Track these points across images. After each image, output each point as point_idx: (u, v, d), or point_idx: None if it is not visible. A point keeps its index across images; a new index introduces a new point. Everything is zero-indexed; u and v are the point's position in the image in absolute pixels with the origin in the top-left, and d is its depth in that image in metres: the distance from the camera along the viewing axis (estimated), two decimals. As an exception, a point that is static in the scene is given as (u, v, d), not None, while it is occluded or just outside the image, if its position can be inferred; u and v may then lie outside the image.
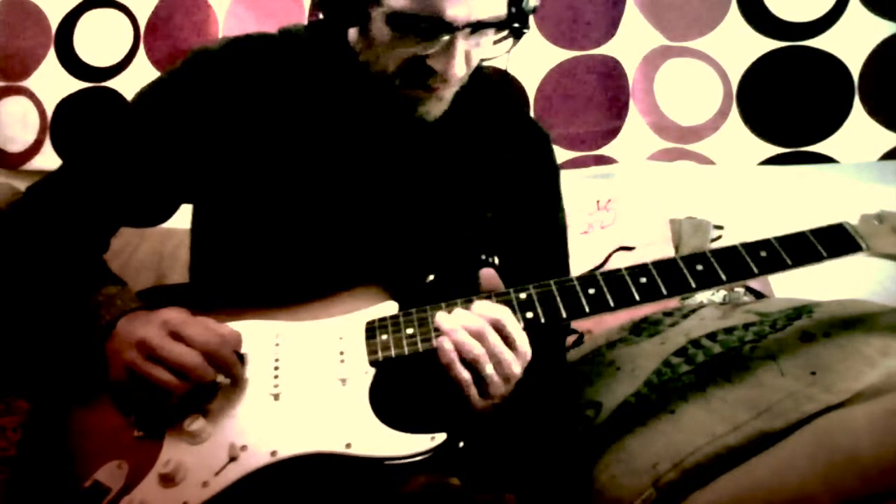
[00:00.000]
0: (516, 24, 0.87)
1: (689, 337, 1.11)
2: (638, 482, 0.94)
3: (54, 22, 1.89)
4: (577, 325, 1.48)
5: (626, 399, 1.05)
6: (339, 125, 0.97)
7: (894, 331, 0.96)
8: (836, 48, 1.53)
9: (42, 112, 1.91)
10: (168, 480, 0.80)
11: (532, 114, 1.71)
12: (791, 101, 1.58)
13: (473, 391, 0.83)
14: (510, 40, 0.89)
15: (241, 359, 0.87)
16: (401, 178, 0.98)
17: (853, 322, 1.00)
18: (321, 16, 0.94)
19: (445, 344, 0.82)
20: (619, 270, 0.88)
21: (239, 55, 0.98)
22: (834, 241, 0.90)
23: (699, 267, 0.88)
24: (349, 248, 0.95)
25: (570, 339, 1.47)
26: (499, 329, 0.83)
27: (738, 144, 1.61)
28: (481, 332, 0.82)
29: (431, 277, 0.92)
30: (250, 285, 0.96)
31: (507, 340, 0.83)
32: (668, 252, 1.54)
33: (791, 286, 1.54)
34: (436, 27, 0.82)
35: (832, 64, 1.53)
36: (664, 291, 0.87)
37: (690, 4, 1.61)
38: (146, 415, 0.85)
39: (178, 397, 0.83)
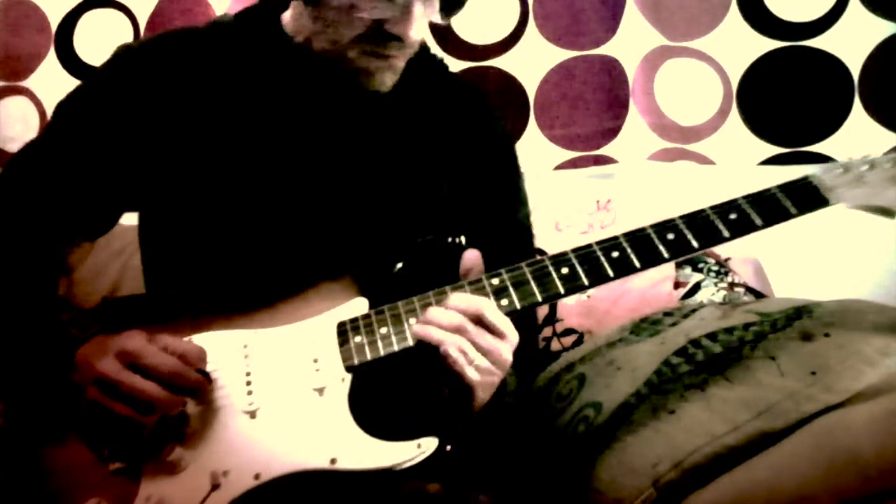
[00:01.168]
0: None
1: (689, 337, 1.11)
2: (638, 482, 0.94)
3: (54, 22, 1.89)
4: (577, 325, 1.48)
5: (626, 399, 1.05)
6: (285, 111, 0.94)
7: (894, 331, 0.96)
8: (836, 48, 1.53)
9: (42, 112, 1.91)
10: None
11: (532, 114, 1.71)
12: (791, 101, 1.58)
13: (469, 373, 0.80)
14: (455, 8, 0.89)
15: (207, 377, 0.82)
16: (355, 160, 0.95)
17: (853, 322, 1.00)
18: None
19: (451, 351, 0.79)
20: (590, 246, 0.86)
21: (164, 50, 0.95)
22: (801, 197, 0.88)
23: (670, 236, 0.86)
24: (309, 241, 0.92)
25: (570, 339, 1.47)
26: (479, 321, 0.80)
27: (738, 144, 1.61)
28: (459, 326, 0.79)
29: (399, 266, 0.88)
30: (209, 291, 0.92)
31: (491, 329, 0.81)
32: (668, 252, 1.54)
33: (791, 286, 1.54)
34: None
35: (832, 64, 1.53)
36: (637, 264, 0.85)
37: (690, 4, 1.61)
38: (119, 449, 0.81)
39: (150, 429, 0.79)
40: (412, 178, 0.96)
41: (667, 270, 1.48)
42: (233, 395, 0.84)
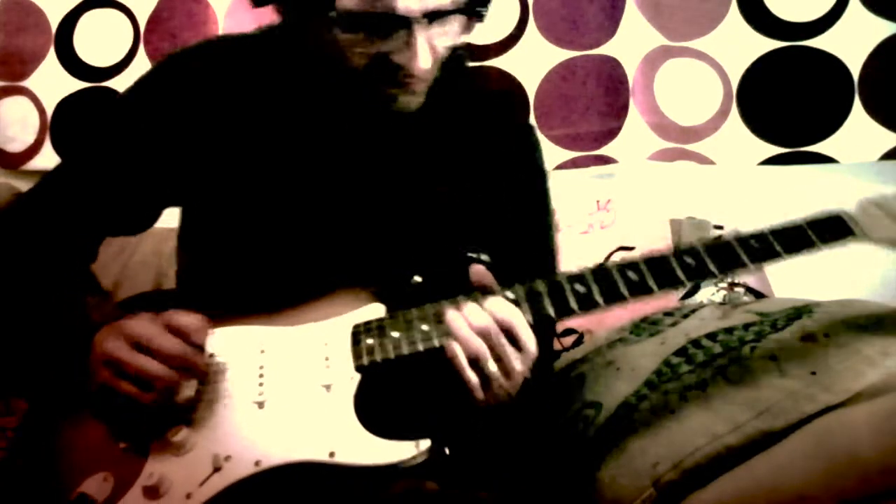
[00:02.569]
0: (476, 7, 0.84)
1: (689, 337, 1.11)
2: (638, 482, 0.94)
3: (54, 22, 1.89)
4: (577, 325, 1.48)
5: (626, 399, 1.05)
6: (316, 123, 0.95)
7: (894, 331, 0.96)
8: (836, 48, 1.53)
9: (42, 112, 1.91)
10: (152, 493, 0.80)
11: (532, 114, 1.71)
12: (791, 101, 1.58)
13: (479, 393, 0.81)
14: (474, 24, 0.86)
15: (201, 349, 0.85)
16: (383, 175, 0.96)
17: (853, 322, 1.00)
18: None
19: (452, 344, 0.81)
20: (607, 266, 0.86)
21: (212, 57, 0.97)
22: (825, 228, 0.88)
23: (689, 261, 0.85)
24: (334, 249, 0.94)
25: (570, 339, 1.47)
26: (508, 330, 0.81)
27: (738, 144, 1.61)
28: (486, 330, 0.80)
29: (418, 279, 0.90)
30: (235, 290, 0.95)
31: (515, 341, 0.81)
32: (668, 252, 1.55)
33: (791, 286, 1.54)
34: (390, 23, 0.79)
35: (832, 64, 1.53)
36: (654, 288, 0.84)
37: (690, 4, 1.61)
38: (127, 428, 0.85)
39: (155, 408, 0.82)
40: (437, 196, 0.97)
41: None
42: (244, 386, 0.87)
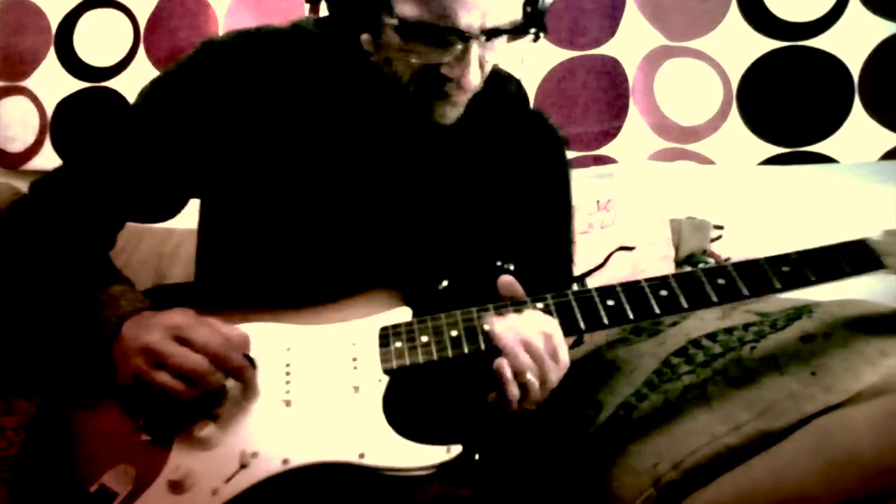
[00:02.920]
0: (533, 28, 0.84)
1: (689, 337, 1.11)
2: (638, 482, 0.94)
3: (54, 22, 1.89)
4: (577, 325, 1.48)
5: (626, 399, 1.05)
6: (352, 124, 0.95)
7: (894, 331, 0.96)
8: (836, 48, 1.53)
9: (42, 112, 1.91)
10: (177, 487, 0.79)
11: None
12: (791, 101, 1.58)
13: (514, 391, 0.81)
14: (524, 42, 0.86)
15: (252, 363, 0.85)
16: (415, 181, 0.97)
17: (853, 322, 1.00)
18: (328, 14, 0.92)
19: (507, 336, 0.81)
20: (639, 282, 0.87)
21: (248, 47, 0.96)
22: (856, 258, 0.89)
23: (721, 281, 0.87)
24: (362, 250, 0.94)
25: (570, 339, 1.47)
26: (548, 341, 0.82)
27: (738, 144, 1.61)
28: (532, 343, 0.81)
29: (445, 283, 0.90)
30: (259, 285, 0.94)
31: (552, 352, 0.82)
32: (668, 252, 1.54)
33: (791, 286, 1.54)
34: (449, 36, 0.80)
35: (832, 64, 1.53)
36: (685, 304, 0.86)
37: (690, 4, 1.61)
38: (154, 420, 0.83)
39: (187, 403, 0.81)
40: (467, 203, 0.98)
41: (666, 270, 1.48)
42: (271, 384, 0.86)
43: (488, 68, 0.86)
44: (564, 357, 0.83)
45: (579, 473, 1.01)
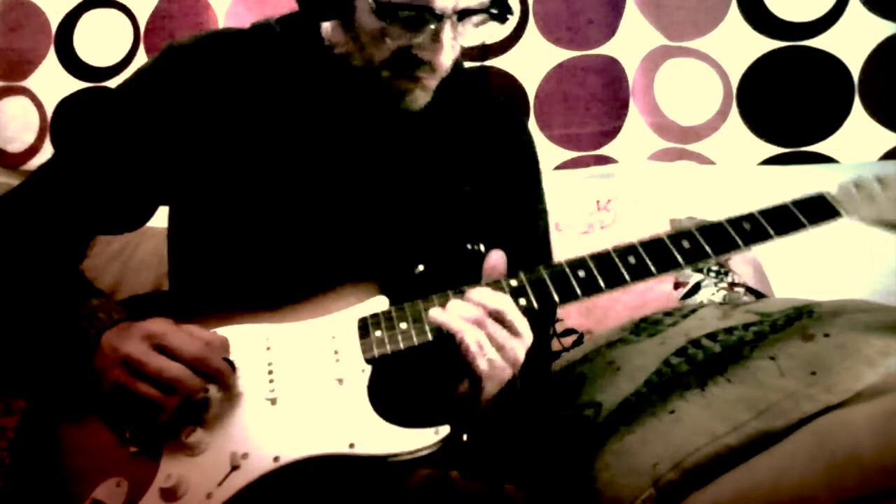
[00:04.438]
0: (500, 9, 0.86)
1: (689, 337, 1.11)
2: (638, 482, 0.94)
3: (54, 22, 1.89)
4: (577, 325, 1.48)
5: (626, 399, 1.05)
6: (319, 119, 0.96)
7: (894, 331, 0.96)
8: (836, 48, 1.53)
9: (42, 112, 1.91)
10: (170, 495, 0.79)
11: (532, 114, 1.71)
12: (791, 101, 1.58)
13: (484, 366, 0.82)
14: (493, 24, 0.89)
15: (231, 365, 0.85)
16: (385, 169, 0.97)
17: (853, 322, 1.00)
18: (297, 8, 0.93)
19: (467, 338, 0.81)
20: (606, 251, 0.89)
21: (211, 50, 0.97)
22: (814, 210, 0.93)
23: (686, 244, 0.89)
24: (335, 244, 0.94)
25: (570, 339, 1.47)
26: (499, 318, 0.82)
27: (738, 144, 1.61)
28: (480, 321, 0.82)
29: (420, 268, 0.91)
30: (235, 288, 0.94)
31: (509, 328, 0.82)
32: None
33: (791, 286, 1.54)
34: (423, 16, 0.82)
35: (832, 64, 1.53)
36: (653, 270, 0.88)
37: (690, 4, 1.61)
38: (140, 430, 0.83)
39: (171, 411, 0.81)
40: (437, 188, 0.98)
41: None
42: (254, 384, 0.86)
43: (457, 51, 0.89)
44: (524, 330, 0.83)
45: (579, 473, 1.01)
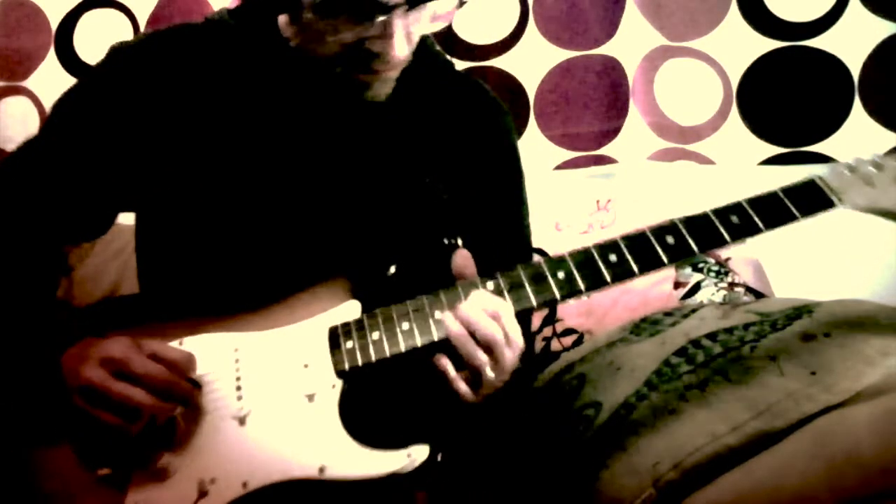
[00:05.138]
0: None
1: (689, 337, 1.11)
2: (638, 482, 0.94)
3: (54, 22, 1.89)
4: (577, 325, 1.48)
5: (626, 399, 1.05)
6: (280, 114, 0.92)
7: (894, 331, 0.96)
8: (836, 48, 1.53)
9: (42, 112, 1.90)
10: None
11: (532, 114, 1.71)
12: (791, 101, 1.57)
13: (463, 388, 0.79)
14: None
15: (196, 384, 0.82)
16: (352, 164, 0.93)
17: (853, 322, 1.00)
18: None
19: (453, 326, 0.78)
20: (588, 249, 0.84)
21: (160, 47, 0.93)
22: (806, 199, 0.86)
23: (670, 240, 0.84)
24: (303, 243, 0.90)
25: (570, 339, 1.47)
26: (497, 323, 0.79)
27: (738, 144, 1.61)
28: (480, 329, 0.78)
29: (393, 269, 0.87)
30: (203, 291, 0.91)
31: (504, 336, 0.79)
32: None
33: (791, 286, 1.54)
34: (369, 9, 0.78)
35: (832, 64, 1.53)
36: (636, 270, 0.82)
37: (690, 4, 1.61)
38: (105, 456, 0.80)
39: (137, 435, 0.78)
40: (407, 181, 0.94)
41: (667, 270, 1.48)
42: (223, 400, 0.83)
43: (416, 40, 0.85)
44: (516, 337, 0.80)
45: (579, 473, 1.01)
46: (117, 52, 0.94)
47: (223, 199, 0.90)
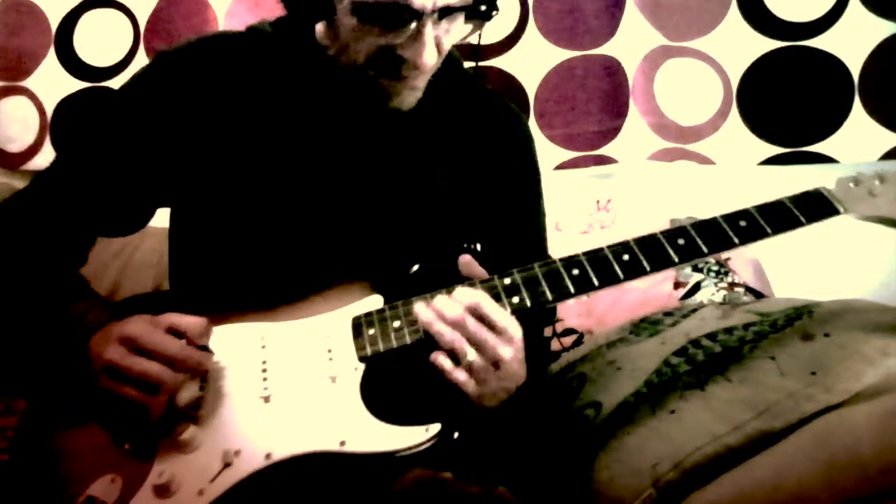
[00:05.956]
0: (485, 6, 0.86)
1: (689, 337, 1.11)
2: (638, 482, 0.94)
3: (54, 22, 1.89)
4: (577, 325, 1.48)
5: (626, 399, 1.05)
6: (313, 120, 0.96)
7: (894, 331, 0.96)
8: (836, 48, 1.53)
9: (42, 112, 1.91)
10: (163, 491, 0.80)
11: (532, 114, 1.72)
12: (791, 101, 1.58)
13: (462, 378, 0.82)
14: (480, 23, 0.88)
15: (208, 350, 0.86)
16: (378, 169, 0.98)
17: (853, 322, 1.00)
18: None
19: (423, 313, 0.82)
20: (601, 249, 0.88)
21: (205, 54, 0.97)
22: (812, 207, 0.90)
23: (681, 241, 0.88)
24: (330, 244, 0.95)
25: (570, 339, 1.47)
26: (477, 314, 0.82)
27: (738, 144, 1.61)
28: (459, 320, 0.81)
29: (416, 268, 0.91)
30: (232, 288, 0.95)
31: (489, 324, 0.82)
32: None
33: (791, 286, 1.54)
34: (403, 15, 0.82)
35: (832, 64, 1.53)
36: (647, 268, 0.87)
37: (690, 4, 1.61)
38: (133, 431, 0.84)
39: (161, 409, 0.82)
40: (435, 190, 0.99)
41: (667, 270, 1.48)
42: (248, 382, 0.87)
43: (446, 48, 0.88)
44: (509, 327, 0.82)
45: (578, 473, 1.01)
46: (162, 55, 0.99)
47: (253, 200, 0.94)
